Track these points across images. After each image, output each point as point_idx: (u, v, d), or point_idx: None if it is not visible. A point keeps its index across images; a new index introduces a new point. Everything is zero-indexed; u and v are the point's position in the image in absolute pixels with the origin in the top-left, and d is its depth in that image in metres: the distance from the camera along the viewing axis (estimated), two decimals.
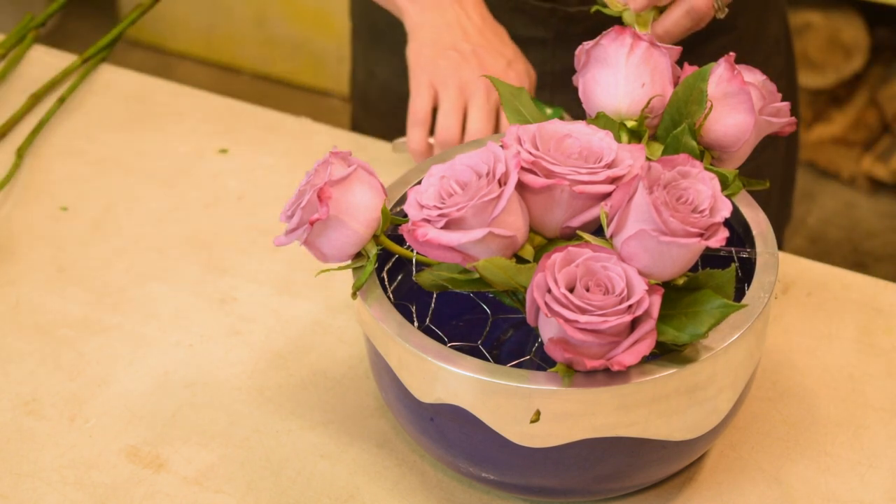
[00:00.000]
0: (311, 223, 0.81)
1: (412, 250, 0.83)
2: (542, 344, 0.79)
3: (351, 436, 0.95)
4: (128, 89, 1.32)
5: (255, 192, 1.18)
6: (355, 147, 1.22)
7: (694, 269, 0.81)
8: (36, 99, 1.28)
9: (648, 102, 0.87)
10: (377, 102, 1.34)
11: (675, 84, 0.89)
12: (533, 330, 0.82)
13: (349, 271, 0.87)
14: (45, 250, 1.12)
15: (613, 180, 0.81)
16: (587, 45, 0.90)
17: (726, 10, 1.00)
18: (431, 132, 1.09)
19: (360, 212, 0.83)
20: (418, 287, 0.86)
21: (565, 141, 0.83)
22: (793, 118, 0.91)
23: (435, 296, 0.90)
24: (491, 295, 0.86)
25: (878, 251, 2.40)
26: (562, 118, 1.04)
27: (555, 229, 0.83)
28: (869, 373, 0.98)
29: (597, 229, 0.82)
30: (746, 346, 0.82)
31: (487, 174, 0.80)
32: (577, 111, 0.92)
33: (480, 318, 0.93)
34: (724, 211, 0.77)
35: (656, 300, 0.76)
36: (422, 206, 0.81)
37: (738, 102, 0.87)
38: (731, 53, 0.87)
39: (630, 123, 0.88)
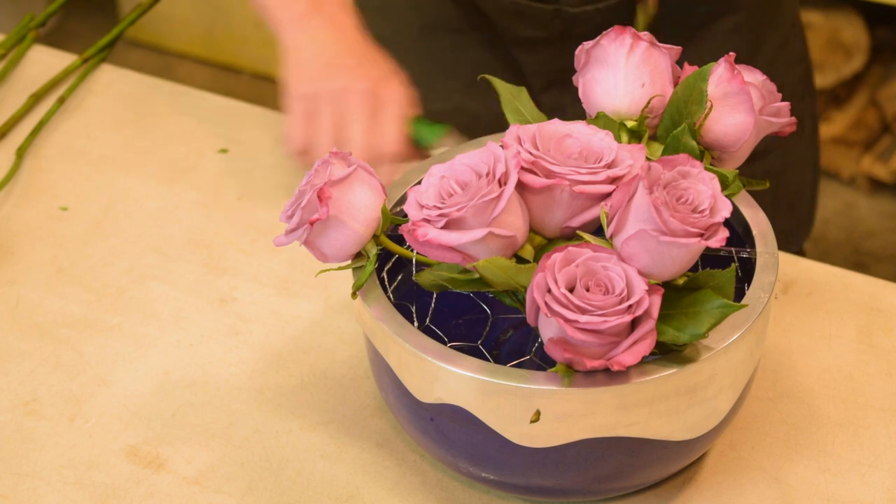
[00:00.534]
0: (311, 223, 0.81)
1: (412, 250, 0.83)
2: (542, 344, 0.79)
3: (351, 436, 0.95)
4: (128, 89, 1.32)
5: (255, 192, 1.18)
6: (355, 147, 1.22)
7: (694, 269, 0.81)
8: (36, 99, 1.28)
9: (648, 102, 0.87)
10: None
11: (675, 84, 0.89)
12: (533, 330, 0.82)
13: (349, 271, 0.87)
14: (45, 250, 1.12)
15: (613, 180, 0.81)
16: (587, 44, 0.90)
17: None
18: None
19: (360, 212, 0.83)
20: (418, 287, 0.86)
21: (565, 141, 0.83)
22: (793, 118, 0.91)
23: (435, 296, 0.90)
24: (491, 295, 0.86)
25: (878, 251, 2.40)
26: (443, 138, 1.06)
27: (555, 229, 0.83)
28: (869, 373, 0.98)
29: (597, 229, 0.82)
30: (746, 346, 0.82)
31: (487, 174, 0.80)
32: (582, 109, 0.91)
33: (480, 318, 0.93)
34: (724, 211, 0.77)
35: (656, 300, 0.76)
36: (422, 206, 0.81)
37: (738, 102, 0.87)
38: (732, 53, 0.87)
39: (630, 123, 0.88)
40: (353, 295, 0.85)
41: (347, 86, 1.05)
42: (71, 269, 1.11)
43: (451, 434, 0.83)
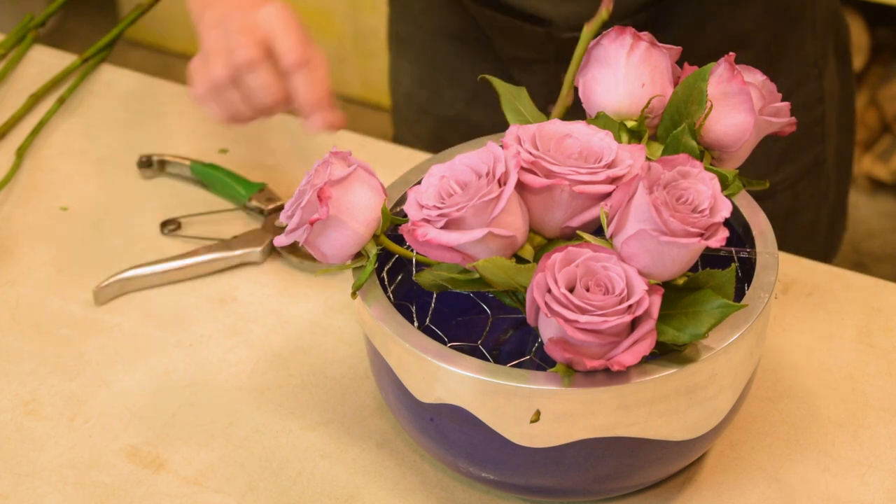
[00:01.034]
0: (312, 223, 0.81)
1: (412, 250, 0.83)
2: (542, 344, 0.79)
3: (351, 436, 0.95)
4: (128, 89, 1.32)
5: None
6: (356, 147, 1.22)
7: (694, 269, 0.81)
8: (36, 99, 1.28)
9: (649, 102, 0.87)
10: (403, 110, 1.34)
11: (675, 84, 0.89)
12: (533, 330, 0.82)
13: (349, 271, 0.87)
14: (45, 250, 1.12)
15: (613, 180, 0.81)
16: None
17: None
18: None
19: (360, 212, 0.83)
20: (418, 287, 0.86)
21: (565, 141, 0.83)
22: (792, 119, 0.90)
23: (435, 296, 0.90)
24: (490, 295, 0.86)
25: (878, 251, 2.40)
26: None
27: (555, 229, 0.83)
28: (869, 373, 0.98)
29: (596, 229, 0.82)
30: (746, 345, 0.82)
31: (487, 174, 0.80)
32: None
33: (480, 319, 0.93)
34: (724, 211, 0.77)
35: (656, 300, 0.76)
36: (421, 206, 0.81)
37: (737, 102, 0.87)
38: (732, 53, 0.87)
39: (630, 123, 0.88)
40: (353, 295, 0.85)
41: (221, 30, 0.98)
42: (71, 269, 1.11)
43: (451, 434, 0.83)
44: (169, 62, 2.96)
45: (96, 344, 1.03)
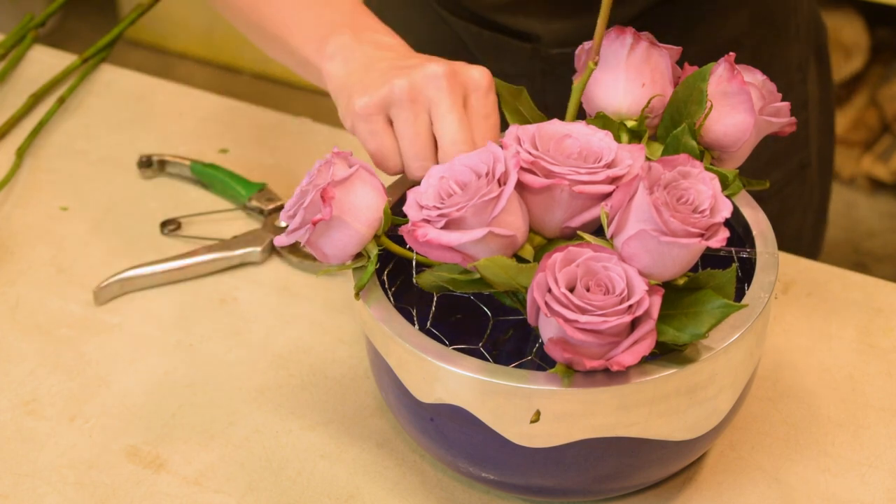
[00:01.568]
0: (314, 223, 0.81)
1: (412, 250, 0.83)
2: (542, 344, 0.79)
3: (351, 436, 0.95)
4: (128, 89, 1.32)
5: None
6: (356, 147, 1.22)
7: (694, 269, 0.81)
8: (36, 99, 1.28)
9: (649, 102, 0.87)
10: None
11: (675, 84, 0.89)
12: (533, 330, 0.82)
13: (348, 272, 0.87)
14: (45, 250, 1.12)
15: (613, 180, 0.81)
16: (587, 44, 0.90)
17: None
18: None
19: (362, 212, 0.83)
20: (419, 291, 0.86)
21: (565, 141, 0.83)
22: (792, 118, 0.91)
23: (435, 299, 0.90)
24: (488, 293, 0.86)
25: (878, 251, 2.40)
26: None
27: (554, 229, 0.83)
28: (869, 373, 0.98)
29: (596, 229, 0.82)
30: (746, 346, 0.82)
31: (487, 174, 0.80)
32: None
33: (481, 320, 0.93)
34: (725, 211, 0.77)
35: (656, 300, 0.76)
36: (421, 207, 0.81)
37: (737, 102, 0.87)
38: (732, 53, 0.87)
39: (630, 123, 0.88)
40: (356, 295, 0.84)
41: (417, 79, 0.85)
42: (71, 269, 1.11)
43: (451, 434, 0.83)
44: (169, 62, 2.96)
45: (96, 344, 1.03)
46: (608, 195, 0.80)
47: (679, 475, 0.91)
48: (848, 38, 2.45)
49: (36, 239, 1.14)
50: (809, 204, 1.29)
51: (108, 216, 1.16)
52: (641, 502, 0.90)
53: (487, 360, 0.84)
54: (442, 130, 0.85)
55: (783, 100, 0.90)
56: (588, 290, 0.76)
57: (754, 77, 0.90)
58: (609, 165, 0.81)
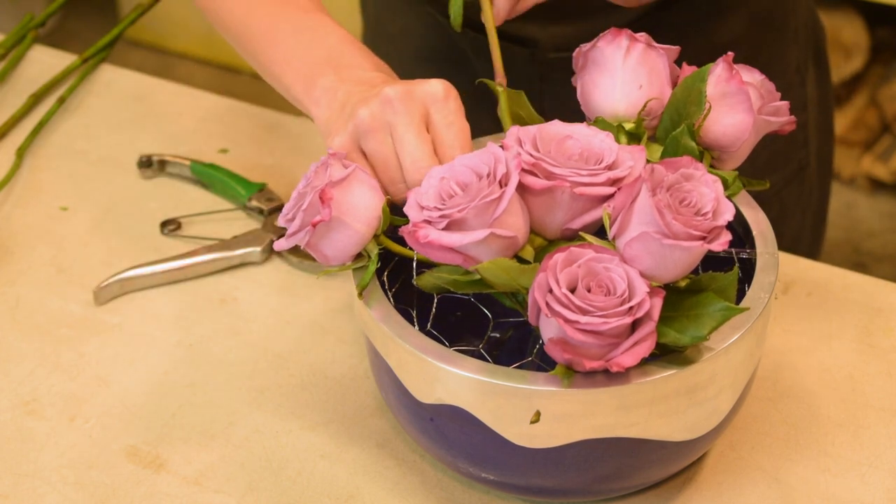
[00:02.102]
0: (314, 225, 0.81)
1: (412, 249, 0.83)
2: (542, 345, 0.79)
3: (351, 436, 0.95)
4: (128, 89, 1.32)
5: None
6: None
7: (695, 269, 0.81)
8: (36, 99, 1.28)
9: (645, 105, 0.87)
10: None
11: (674, 84, 0.89)
12: (533, 331, 0.82)
13: (348, 271, 0.87)
14: (45, 250, 1.12)
15: (614, 182, 0.81)
16: (584, 47, 0.90)
17: None
18: None
19: (360, 212, 0.83)
20: (419, 292, 0.86)
21: (566, 142, 0.83)
22: (792, 118, 0.91)
23: (436, 301, 0.90)
24: (489, 295, 0.86)
25: (878, 251, 2.40)
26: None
27: (555, 231, 0.83)
28: (869, 373, 0.98)
29: (597, 231, 0.82)
30: (746, 346, 0.82)
31: (488, 175, 0.80)
32: None
33: (481, 321, 0.93)
34: (727, 214, 0.77)
35: (657, 302, 0.76)
36: (422, 208, 0.81)
37: (736, 102, 0.87)
38: (730, 53, 0.87)
39: (628, 126, 0.88)
40: (360, 294, 0.84)
41: (375, 107, 0.87)
42: (71, 269, 1.11)
43: (451, 434, 0.83)
44: (169, 62, 2.96)
45: (96, 344, 1.03)
46: (609, 197, 0.80)
47: (679, 475, 0.91)
48: (848, 38, 2.45)
49: (36, 239, 1.14)
50: (808, 206, 1.29)
51: (108, 216, 1.16)
52: (641, 502, 0.90)
53: (487, 360, 0.84)
54: (401, 153, 0.86)
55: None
56: (589, 290, 0.76)
57: (753, 76, 0.90)
58: (610, 167, 0.81)
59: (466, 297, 0.91)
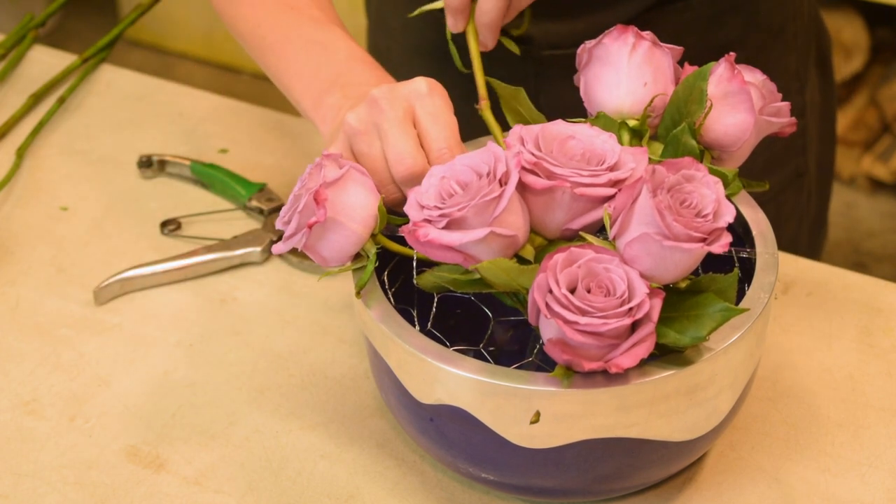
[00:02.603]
0: (310, 226, 0.81)
1: (411, 248, 0.83)
2: (542, 345, 0.79)
3: (351, 436, 0.95)
4: (128, 89, 1.32)
5: None
6: None
7: (695, 270, 0.81)
8: (36, 99, 1.28)
9: (651, 101, 0.87)
10: None
11: (677, 83, 0.89)
12: (533, 331, 0.82)
13: (348, 272, 0.87)
14: (45, 250, 1.12)
15: (615, 183, 0.81)
16: (589, 43, 0.90)
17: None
18: None
19: (356, 211, 0.83)
20: (419, 292, 0.86)
21: (568, 143, 0.83)
22: (793, 119, 0.91)
23: (436, 299, 0.90)
24: (490, 294, 0.86)
25: (878, 251, 2.40)
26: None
27: (555, 230, 0.83)
28: (869, 373, 0.98)
29: (596, 232, 0.82)
30: (746, 346, 0.82)
31: (488, 174, 0.80)
32: None
33: (481, 321, 0.93)
34: (728, 216, 0.77)
35: (657, 303, 0.76)
36: (422, 207, 0.81)
37: (738, 102, 0.87)
38: (732, 53, 0.87)
39: (632, 122, 0.88)
40: (358, 294, 0.84)
41: (361, 110, 0.88)
42: (71, 269, 1.11)
43: (451, 435, 0.83)
44: (169, 62, 2.96)
45: (96, 344, 1.03)
46: (610, 198, 0.80)
47: (679, 475, 0.91)
48: (848, 38, 2.45)
49: (36, 239, 1.14)
50: (806, 213, 1.28)
51: (108, 216, 1.16)
52: (641, 502, 0.90)
53: (487, 360, 0.84)
54: (387, 151, 0.87)
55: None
56: (589, 291, 0.76)
57: (754, 77, 0.90)
58: (612, 168, 0.81)
59: (467, 296, 0.91)
